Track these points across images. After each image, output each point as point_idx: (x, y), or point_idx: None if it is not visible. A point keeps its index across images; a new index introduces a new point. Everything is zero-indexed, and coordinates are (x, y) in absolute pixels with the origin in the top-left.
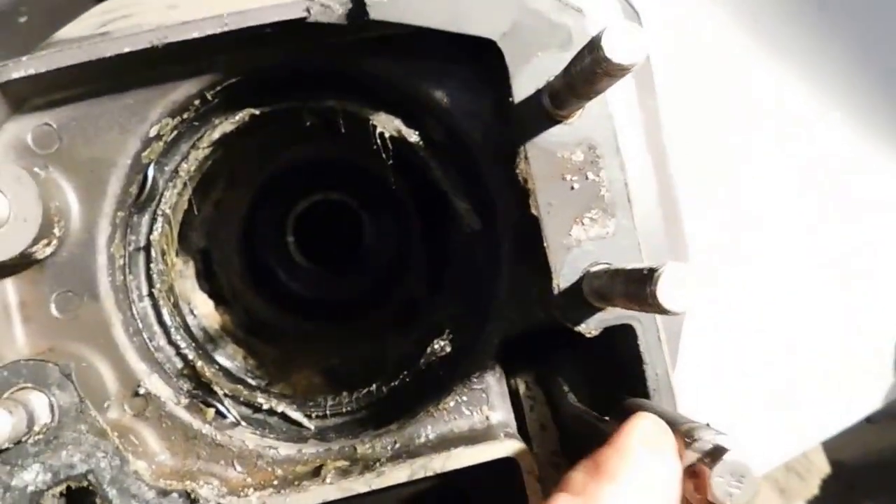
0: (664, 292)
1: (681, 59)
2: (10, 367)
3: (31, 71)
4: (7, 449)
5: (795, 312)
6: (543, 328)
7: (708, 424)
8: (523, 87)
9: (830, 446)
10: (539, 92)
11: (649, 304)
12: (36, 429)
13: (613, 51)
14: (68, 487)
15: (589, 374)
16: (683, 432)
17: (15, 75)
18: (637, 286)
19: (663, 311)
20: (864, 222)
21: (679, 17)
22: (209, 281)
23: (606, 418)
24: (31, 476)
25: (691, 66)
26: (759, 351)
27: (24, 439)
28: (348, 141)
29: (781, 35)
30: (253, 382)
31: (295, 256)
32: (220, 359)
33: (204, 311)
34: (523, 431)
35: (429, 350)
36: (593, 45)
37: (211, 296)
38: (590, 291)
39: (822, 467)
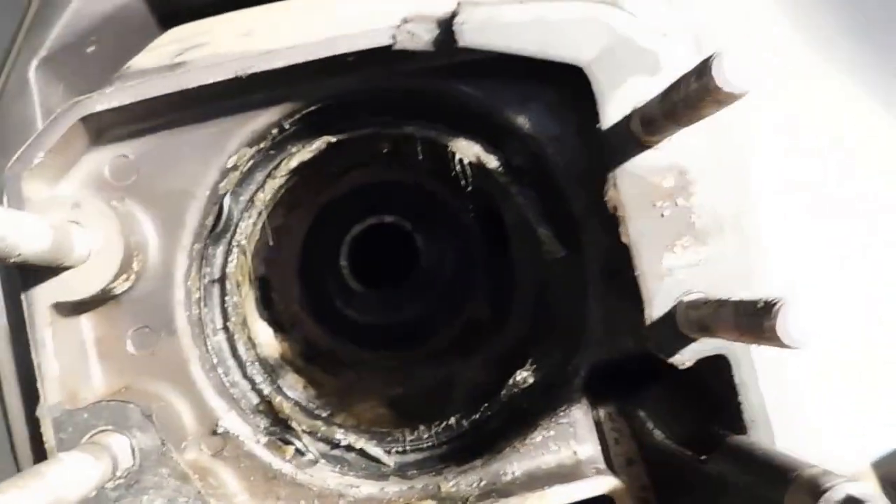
0: (787, 326)
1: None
2: (91, 409)
3: (116, 103)
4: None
5: (825, 334)
6: (631, 359)
7: (829, 471)
8: (612, 112)
9: (882, 466)
10: (627, 117)
11: (766, 337)
12: (118, 473)
13: (725, 78)
14: None
15: (675, 408)
16: (807, 479)
17: (99, 108)
18: (751, 319)
19: (782, 345)
20: None
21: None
22: (268, 309)
23: (703, 457)
24: None
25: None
26: (805, 372)
27: (105, 485)
28: (412, 165)
29: None
30: (316, 412)
31: (349, 281)
32: (284, 389)
33: (264, 339)
34: (609, 466)
35: (510, 381)
36: (702, 72)
37: (270, 324)
38: (685, 322)
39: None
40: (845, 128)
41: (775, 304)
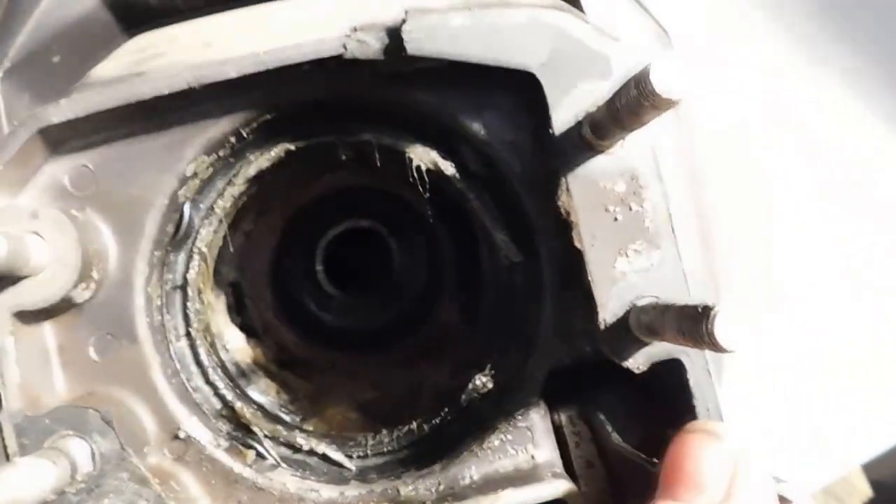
0: (722, 330)
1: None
2: (51, 415)
3: (70, 115)
4: (50, 501)
5: (832, 332)
6: (587, 362)
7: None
8: (563, 117)
9: (871, 468)
10: (579, 122)
11: (705, 341)
12: (78, 478)
13: (662, 84)
14: None
15: (635, 411)
16: None
17: (55, 120)
18: (691, 323)
19: (720, 350)
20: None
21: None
22: (240, 314)
23: (655, 460)
24: None
25: (728, 92)
26: (797, 373)
27: (66, 489)
28: (379, 170)
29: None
30: (287, 418)
31: (325, 286)
32: (254, 394)
33: (236, 345)
34: (569, 469)
35: (470, 386)
36: (640, 79)
37: (242, 329)
38: (637, 326)
39: (864, 490)
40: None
41: (712, 308)
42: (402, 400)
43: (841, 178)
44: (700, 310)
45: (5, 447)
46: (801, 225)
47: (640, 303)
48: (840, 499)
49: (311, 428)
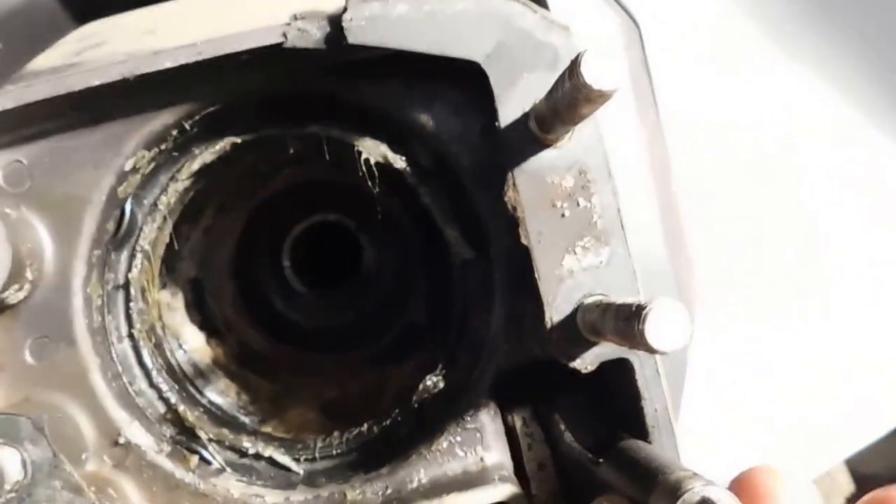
0: (653, 331)
1: (684, 67)
2: None
3: (2, 107)
4: None
5: (813, 327)
6: (540, 363)
7: (695, 473)
8: (509, 110)
9: (854, 463)
10: (526, 115)
11: (638, 342)
12: (7, 487)
13: (592, 76)
14: None
15: (587, 412)
16: (672, 483)
17: None
18: (626, 323)
19: (651, 351)
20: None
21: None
22: (200, 312)
23: (601, 460)
24: None
25: (695, 74)
26: (778, 369)
27: None
28: (339, 164)
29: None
30: (246, 420)
31: (292, 282)
32: (212, 395)
33: (194, 344)
34: (521, 471)
35: (421, 387)
36: (572, 71)
37: (202, 328)
38: (584, 325)
39: (846, 486)
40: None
41: (645, 307)
42: (363, 401)
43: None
44: (634, 308)
45: None
46: (806, 222)
47: (588, 301)
48: (824, 494)
49: (269, 430)
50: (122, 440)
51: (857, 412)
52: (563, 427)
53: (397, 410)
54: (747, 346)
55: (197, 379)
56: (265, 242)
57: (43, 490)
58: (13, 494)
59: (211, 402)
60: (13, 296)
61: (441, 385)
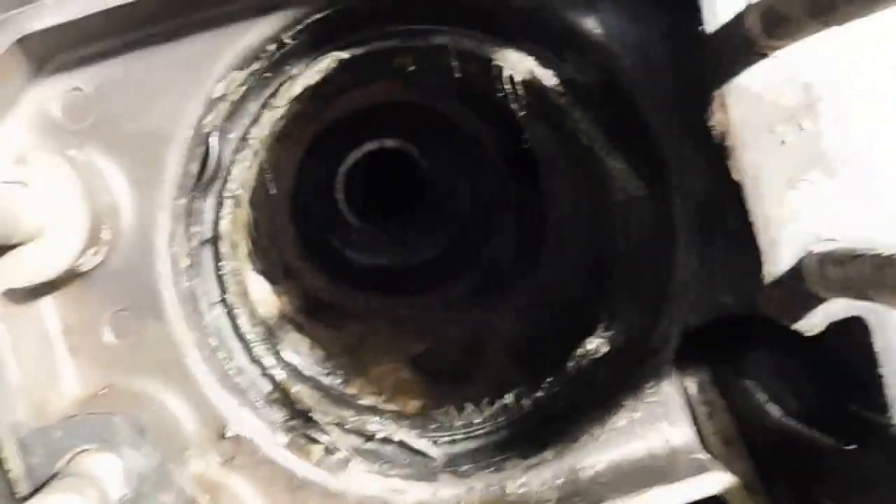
0: None
1: None
2: (65, 425)
3: (62, 19)
4: None
5: None
6: (731, 319)
7: None
8: (721, 8)
9: None
10: (741, 15)
11: None
12: None
13: None
14: None
15: (791, 378)
16: None
17: (39, 26)
18: None
19: None
20: None
21: None
22: (260, 259)
23: (852, 446)
24: None
25: None
26: None
27: None
28: (416, 82)
29: None
30: (327, 381)
31: (347, 216)
32: (286, 354)
33: (259, 296)
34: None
35: (579, 351)
36: None
37: (264, 277)
38: (818, 279)
39: None
40: None
41: None
42: (461, 354)
43: None
44: None
45: (6, 472)
46: None
47: (819, 248)
48: None
49: (355, 390)
50: (229, 433)
51: None
52: (762, 398)
53: (550, 379)
54: None
55: (269, 338)
56: (319, 174)
57: None
58: None
59: (287, 364)
60: (88, 261)
61: (604, 349)
